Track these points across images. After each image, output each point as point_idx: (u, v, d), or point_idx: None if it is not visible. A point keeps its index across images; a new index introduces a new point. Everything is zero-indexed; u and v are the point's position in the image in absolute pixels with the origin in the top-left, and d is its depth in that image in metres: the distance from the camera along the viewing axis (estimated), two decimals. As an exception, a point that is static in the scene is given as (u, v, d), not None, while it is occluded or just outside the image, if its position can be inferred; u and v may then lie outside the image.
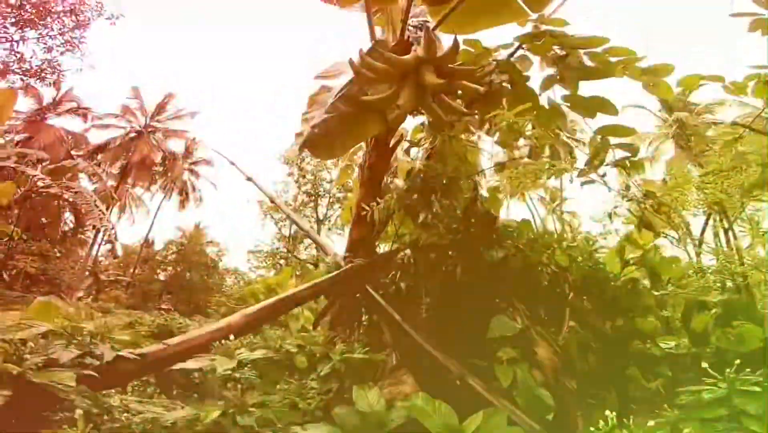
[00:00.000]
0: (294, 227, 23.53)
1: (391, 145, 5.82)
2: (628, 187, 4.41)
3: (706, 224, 6.62)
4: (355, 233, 4.97)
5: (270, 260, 26.36)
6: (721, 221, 5.92)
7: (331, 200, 24.87)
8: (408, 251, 4.49)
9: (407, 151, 5.76)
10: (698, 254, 5.66)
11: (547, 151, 5.11)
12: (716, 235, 6.76)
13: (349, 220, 5.62)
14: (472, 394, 3.28)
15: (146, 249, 32.42)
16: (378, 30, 7.07)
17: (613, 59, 5.13)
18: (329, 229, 24.49)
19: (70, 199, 23.25)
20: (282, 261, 24.87)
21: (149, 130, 31.34)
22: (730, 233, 5.82)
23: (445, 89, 4.50)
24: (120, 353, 3.01)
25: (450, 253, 4.05)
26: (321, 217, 24.62)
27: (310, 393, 3.39)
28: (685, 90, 4.15)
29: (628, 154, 4.89)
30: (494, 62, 5.52)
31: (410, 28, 5.82)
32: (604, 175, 4.62)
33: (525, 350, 3.39)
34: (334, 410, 3.20)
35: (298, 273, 15.25)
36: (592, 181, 4.62)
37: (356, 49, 4.40)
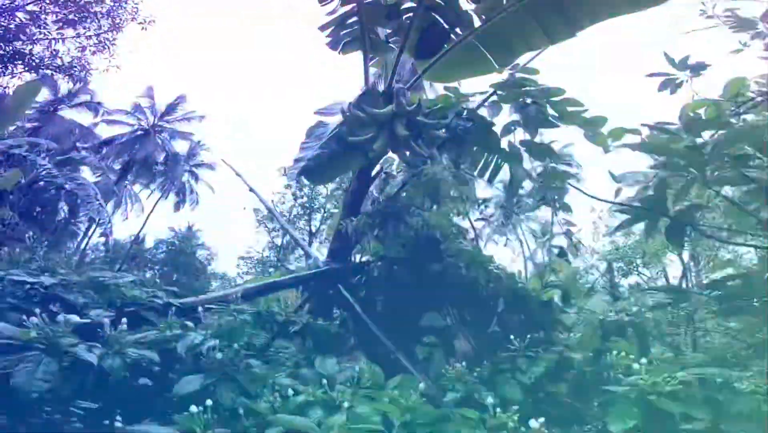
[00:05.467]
0: (287, 237, 24.57)
1: (372, 175, 7.13)
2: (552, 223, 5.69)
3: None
4: (334, 244, 6.23)
5: (259, 267, 27.26)
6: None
7: (325, 215, 25.94)
8: (373, 261, 5.74)
9: (384, 182, 7.08)
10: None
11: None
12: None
13: (332, 234, 6.88)
14: (402, 367, 4.47)
15: (136, 246, 33.04)
16: (374, 70, 8.49)
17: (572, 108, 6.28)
18: (320, 243, 25.52)
19: (73, 190, 24.10)
20: (271, 269, 25.81)
21: (156, 129, 32.28)
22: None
23: (413, 137, 5.82)
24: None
25: (402, 264, 5.30)
26: (314, 230, 25.71)
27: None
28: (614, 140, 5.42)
29: (556, 196, 6.19)
30: (464, 110, 6.83)
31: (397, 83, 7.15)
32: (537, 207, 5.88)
33: (445, 339, 4.59)
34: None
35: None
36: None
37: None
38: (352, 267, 6.02)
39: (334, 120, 6.69)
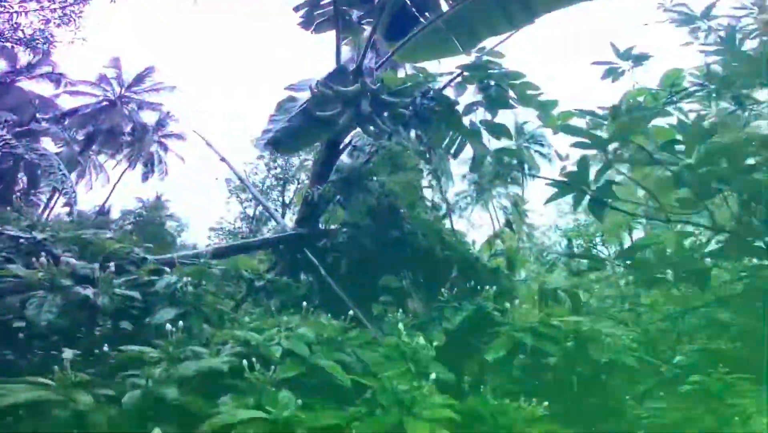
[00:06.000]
0: (259, 208, 24.61)
1: (340, 147, 7.49)
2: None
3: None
4: (302, 211, 6.62)
5: (231, 239, 27.22)
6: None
7: (299, 186, 25.91)
8: (338, 228, 6.18)
9: (351, 154, 7.46)
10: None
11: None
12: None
13: (300, 202, 7.26)
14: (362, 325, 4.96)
15: (101, 217, 32.38)
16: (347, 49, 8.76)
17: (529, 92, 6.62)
18: (294, 214, 25.55)
19: (33, 161, 23.38)
20: (242, 240, 25.68)
21: (123, 100, 31.43)
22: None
23: (378, 113, 6.20)
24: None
25: (364, 230, 5.77)
26: (287, 201, 25.77)
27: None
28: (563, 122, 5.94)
29: (510, 171, 6.73)
30: (430, 89, 7.23)
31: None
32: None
33: (400, 299, 5.10)
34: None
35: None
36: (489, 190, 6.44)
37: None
38: (319, 233, 6.44)
39: (304, 96, 6.99)
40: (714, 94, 5.93)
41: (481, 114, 7.04)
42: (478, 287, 4.99)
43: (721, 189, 4.63)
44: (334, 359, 2.89)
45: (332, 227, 6.64)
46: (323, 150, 7.27)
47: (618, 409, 3.53)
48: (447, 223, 8.34)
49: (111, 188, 32.00)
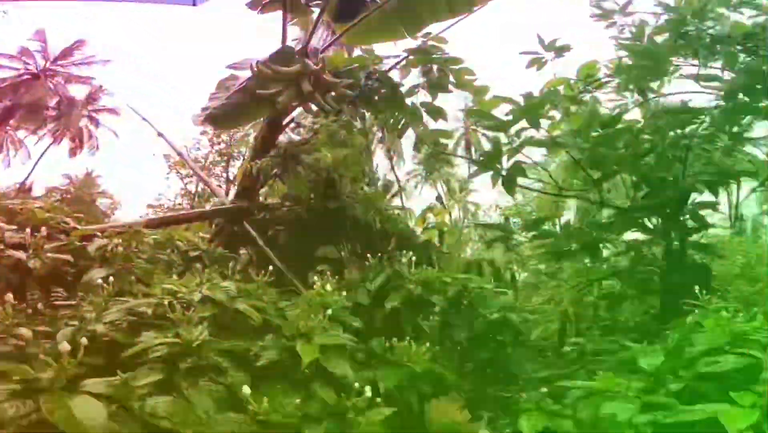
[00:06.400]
0: (201, 185, 23.84)
1: (283, 124, 7.58)
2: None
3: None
4: (241, 185, 6.69)
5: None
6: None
7: (244, 162, 25.15)
8: (279, 201, 6.34)
9: (293, 129, 7.58)
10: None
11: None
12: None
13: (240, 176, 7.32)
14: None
15: (23, 194, 29.97)
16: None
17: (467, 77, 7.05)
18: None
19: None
20: (177, 213, 24.81)
21: (48, 74, 29.01)
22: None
23: (320, 93, 6.38)
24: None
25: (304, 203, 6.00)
26: (231, 177, 25.10)
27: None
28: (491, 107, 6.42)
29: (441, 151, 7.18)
30: (375, 71, 7.47)
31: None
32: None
33: (337, 268, 5.37)
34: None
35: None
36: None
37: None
38: (259, 206, 6.55)
39: (246, 74, 7.03)
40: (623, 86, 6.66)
41: (423, 97, 7.42)
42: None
43: (618, 171, 5.29)
44: (252, 306, 3.12)
45: (273, 200, 6.78)
46: (264, 126, 7.33)
47: (503, 363, 4.13)
48: (397, 200, 8.77)
49: (33, 165, 29.50)
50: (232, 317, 3.07)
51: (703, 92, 5.75)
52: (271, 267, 4.22)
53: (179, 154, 9.24)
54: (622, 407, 2.26)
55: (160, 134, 8.57)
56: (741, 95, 4.61)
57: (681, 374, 2.41)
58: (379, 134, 8.39)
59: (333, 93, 6.72)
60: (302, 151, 5.94)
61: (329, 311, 3.02)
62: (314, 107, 6.52)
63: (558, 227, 6.09)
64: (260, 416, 2.04)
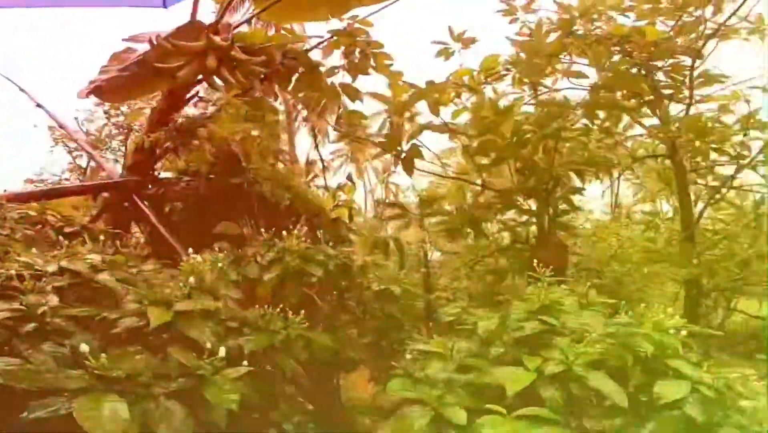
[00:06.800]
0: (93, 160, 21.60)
1: (185, 98, 7.18)
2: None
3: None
4: (133, 158, 6.26)
5: (56, 194, 23.39)
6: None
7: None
8: (177, 176, 6.03)
9: (195, 104, 7.21)
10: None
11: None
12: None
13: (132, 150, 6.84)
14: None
15: None
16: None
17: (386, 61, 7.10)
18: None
19: None
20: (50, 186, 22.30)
21: None
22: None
23: (227, 69, 6.12)
24: None
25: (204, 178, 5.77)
26: (130, 150, 22.98)
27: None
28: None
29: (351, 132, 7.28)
30: (291, 50, 7.30)
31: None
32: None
33: (237, 244, 5.27)
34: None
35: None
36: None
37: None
38: (152, 180, 6.18)
39: (143, 47, 6.55)
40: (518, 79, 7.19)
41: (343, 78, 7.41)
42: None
43: (502, 157, 5.76)
44: (118, 279, 3.00)
45: (170, 175, 6.42)
46: (163, 100, 6.90)
47: (386, 330, 4.43)
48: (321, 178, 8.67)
49: None
50: (97, 289, 2.91)
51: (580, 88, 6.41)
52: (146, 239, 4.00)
53: (61, 126, 8.34)
54: (443, 366, 2.73)
55: (38, 105, 7.68)
56: (603, 92, 5.21)
57: (504, 339, 2.79)
58: (305, 113, 8.28)
59: (242, 70, 6.51)
60: (202, 126, 5.68)
61: (191, 279, 2.98)
62: (220, 83, 6.27)
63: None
64: (98, 371, 1.98)
